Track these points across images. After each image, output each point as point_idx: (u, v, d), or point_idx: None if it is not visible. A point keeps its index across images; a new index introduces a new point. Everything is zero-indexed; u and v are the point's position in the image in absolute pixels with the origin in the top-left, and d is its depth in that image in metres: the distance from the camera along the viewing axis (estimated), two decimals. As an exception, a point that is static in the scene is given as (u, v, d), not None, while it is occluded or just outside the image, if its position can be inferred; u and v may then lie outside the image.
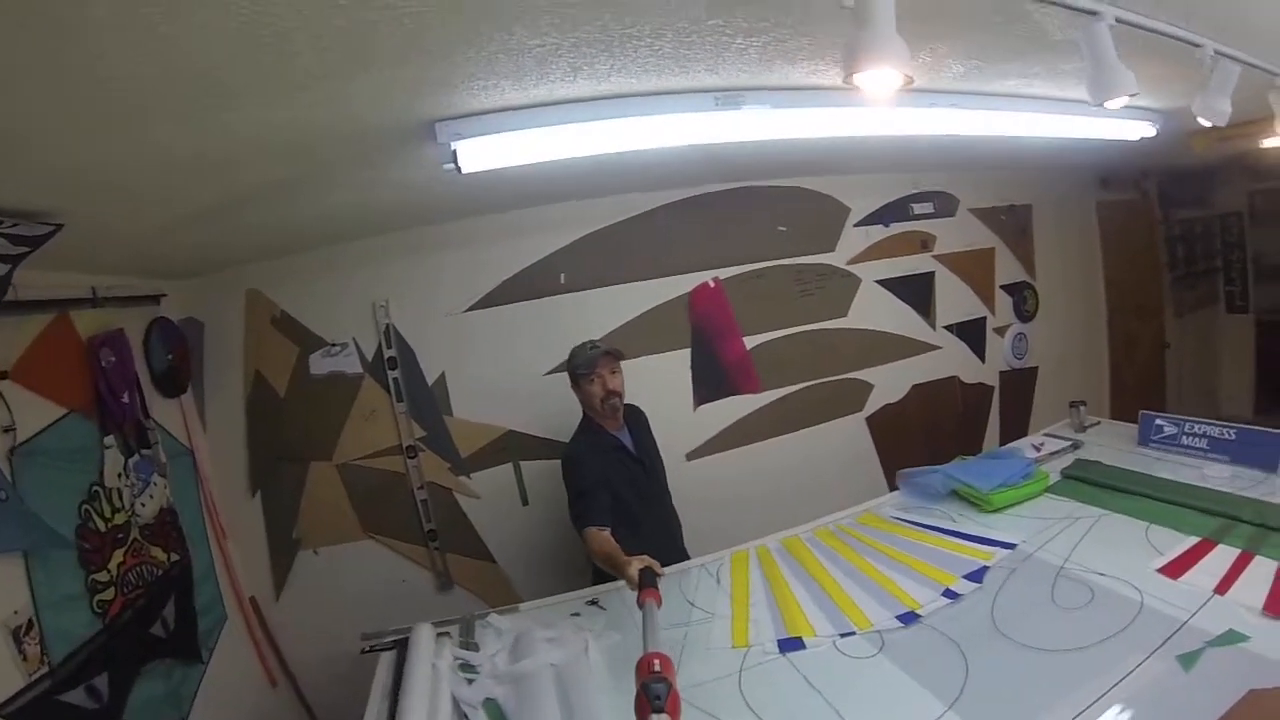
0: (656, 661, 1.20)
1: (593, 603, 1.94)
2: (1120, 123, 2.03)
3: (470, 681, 1.58)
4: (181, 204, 1.55)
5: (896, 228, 3.08)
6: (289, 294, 2.45)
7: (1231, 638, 1.27)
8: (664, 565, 1.82)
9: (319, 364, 2.49)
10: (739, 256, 2.89)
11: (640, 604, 1.52)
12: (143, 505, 1.87)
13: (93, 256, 1.72)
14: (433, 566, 2.63)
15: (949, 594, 1.65)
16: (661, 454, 2.30)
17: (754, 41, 1.31)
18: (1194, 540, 1.63)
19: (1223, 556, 1.54)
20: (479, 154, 1.46)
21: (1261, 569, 1.46)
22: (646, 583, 1.56)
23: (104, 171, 1.23)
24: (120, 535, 1.76)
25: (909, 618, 1.59)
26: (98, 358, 1.77)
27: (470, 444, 2.66)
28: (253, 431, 2.45)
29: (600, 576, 2.10)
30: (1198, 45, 1.42)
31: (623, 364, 2.15)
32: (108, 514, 1.73)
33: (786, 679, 1.47)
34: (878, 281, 3.06)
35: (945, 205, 3.16)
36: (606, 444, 2.14)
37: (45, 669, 1.44)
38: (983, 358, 3.30)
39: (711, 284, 2.86)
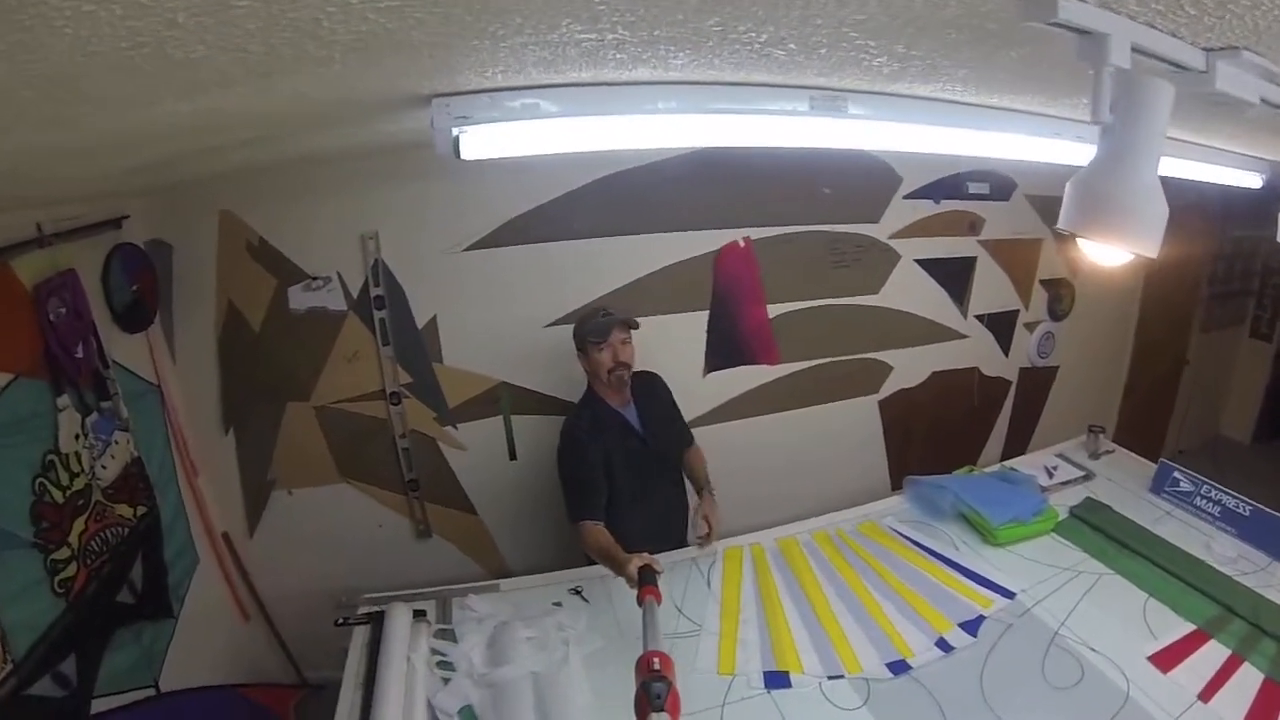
0: (656, 660, 1.26)
1: (576, 591, 2.02)
2: (1224, 170, 1.89)
3: (446, 681, 1.67)
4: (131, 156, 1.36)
5: (947, 205, 2.94)
6: (267, 218, 2.29)
7: (1207, 755, 1.38)
8: (661, 551, 1.89)
9: (299, 298, 2.38)
10: (773, 217, 2.76)
11: (640, 602, 1.58)
12: (103, 468, 1.84)
13: (36, 188, 1.53)
14: (412, 515, 2.70)
15: (942, 644, 1.76)
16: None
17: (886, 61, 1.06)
18: (1189, 628, 1.75)
19: (1213, 655, 1.65)
20: (489, 142, 1.24)
21: (1247, 679, 1.58)
22: (646, 581, 1.62)
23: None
24: (80, 502, 1.74)
25: (899, 667, 1.70)
26: (46, 311, 1.65)
27: (459, 394, 2.63)
28: (225, 367, 2.38)
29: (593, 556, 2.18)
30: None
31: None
32: (65, 482, 1.70)
33: (768, 722, 1.57)
34: (916, 260, 2.97)
35: (1001, 187, 3.01)
36: (608, 421, 2.13)
37: (9, 667, 1.46)
38: (1007, 352, 3.30)
39: (741, 243, 2.74)
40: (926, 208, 2.91)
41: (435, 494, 2.70)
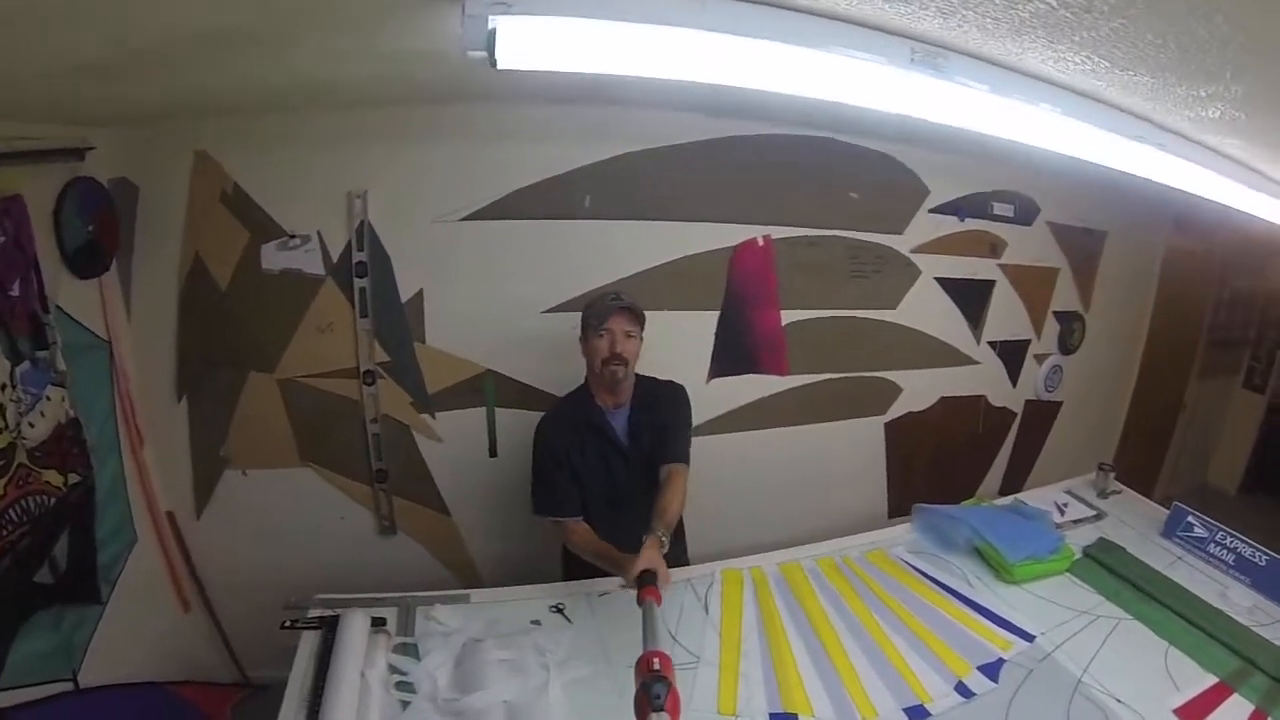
0: (656, 660, 1.25)
1: (558, 609, 1.86)
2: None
3: (405, 705, 1.51)
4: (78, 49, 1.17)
5: (971, 224, 2.87)
6: (245, 163, 2.09)
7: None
8: None
9: (272, 257, 2.19)
10: (796, 217, 2.65)
11: (640, 602, 1.51)
12: (30, 425, 1.63)
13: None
14: (376, 508, 2.51)
15: (962, 690, 1.66)
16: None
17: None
18: (1212, 680, 1.69)
19: (1237, 710, 1.59)
20: (535, 44, 1.01)
21: (1272, 737, 1.49)
22: (646, 581, 1.55)
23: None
24: (1, 463, 1.54)
25: (918, 713, 1.60)
26: (-21, 239, 1.45)
27: (440, 379, 2.46)
28: (184, 327, 2.17)
29: (571, 571, 2.03)
30: None
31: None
32: (-15, 438, 1.51)
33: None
34: (936, 278, 2.89)
35: (1025, 211, 2.96)
36: (586, 420, 1.97)
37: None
38: (1015, 382, 3.25)
39: (761, 242, 2.62)
40: (950, 224, 2.84)
41: (404, 488, 2.52)
